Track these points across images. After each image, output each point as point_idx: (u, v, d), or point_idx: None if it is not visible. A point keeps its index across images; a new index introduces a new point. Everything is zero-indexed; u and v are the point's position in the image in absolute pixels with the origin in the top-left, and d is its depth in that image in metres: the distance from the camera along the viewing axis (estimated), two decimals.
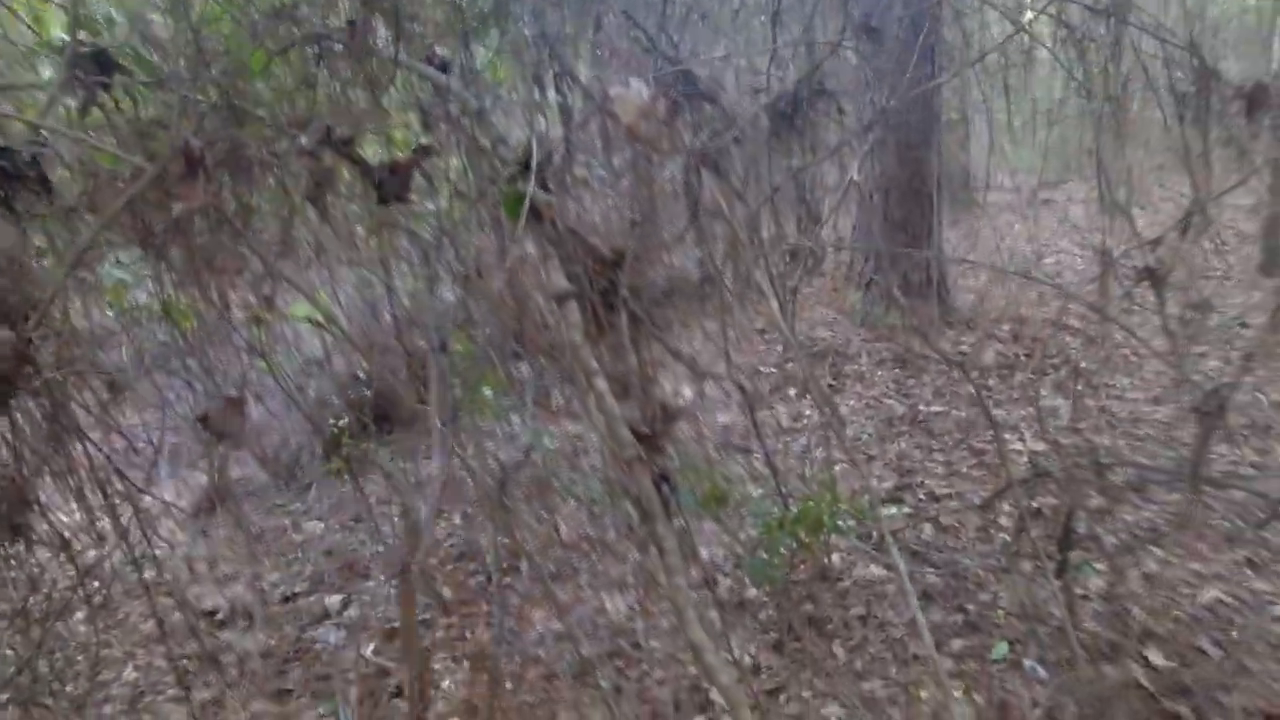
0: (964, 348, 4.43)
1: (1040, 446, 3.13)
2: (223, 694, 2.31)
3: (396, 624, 2.53)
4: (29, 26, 1.25)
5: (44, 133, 0.83)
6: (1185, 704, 1.79)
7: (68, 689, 2.18)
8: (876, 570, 2.46)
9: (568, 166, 0.72)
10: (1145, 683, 1.86)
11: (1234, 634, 2.02)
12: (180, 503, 3.42)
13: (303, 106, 0.94)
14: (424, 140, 0.99)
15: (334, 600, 2.69)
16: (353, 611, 2.65)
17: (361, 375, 3.35)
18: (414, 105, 0.92)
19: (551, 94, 0.94)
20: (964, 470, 3.12)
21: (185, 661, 2.45)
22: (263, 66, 1.00)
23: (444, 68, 0.80)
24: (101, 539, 1.81)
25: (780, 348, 4.67)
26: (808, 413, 3.87)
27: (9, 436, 0.95)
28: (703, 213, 0.91)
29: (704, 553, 2.45)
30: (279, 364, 2.34)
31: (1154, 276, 1.42)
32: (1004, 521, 2.64)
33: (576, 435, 3.84)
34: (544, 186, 0.64)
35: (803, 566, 2.46)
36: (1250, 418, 3.26)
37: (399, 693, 2.19)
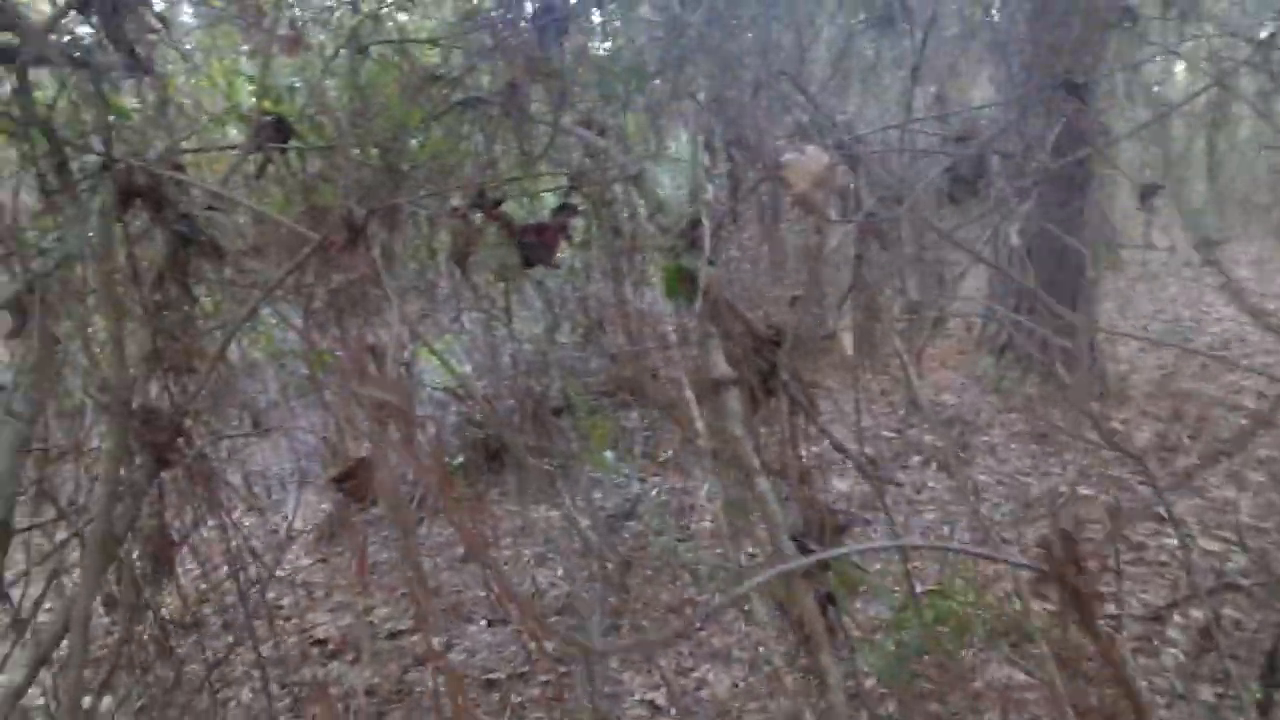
0: (1115, 424, 4.00)
1: (1213, 546, 2.74)
2: None
3: (494, 675, 2.50)
4: (222, 94, 1.38)
5: (221, 197, 0.88)
6: None
7: (193, 703, 2.27)
8: (1017, 675, 2.19)
9: (732, 236, 0.67)
10: None
11: None
12: (306, 528, 3.60)
13: (453, 166, 0.95)
14: (569, 201, 0.96)
15: (437, 643, 2.69)
16: (453, 656, 2.64)
17: (479, 416, 3.42)
18: (565, 166, 0.91)
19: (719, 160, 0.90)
20: (1120, 567, 2.77)
21: (296, 690, 2.52)
22: (419, 124, 1.02)
23: (602, 132, 0.78)
24: (234, 560, 1.90)
25: (901, 411, 4.41)
26: (931, 484, 3.60)
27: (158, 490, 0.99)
28: (863, 283, 0.83)
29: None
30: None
31: None
32: (1172, 634, 2.30)
33: (684, 489, 3.74)
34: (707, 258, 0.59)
35: (927, 659, 2.23)
36: None
37: None
